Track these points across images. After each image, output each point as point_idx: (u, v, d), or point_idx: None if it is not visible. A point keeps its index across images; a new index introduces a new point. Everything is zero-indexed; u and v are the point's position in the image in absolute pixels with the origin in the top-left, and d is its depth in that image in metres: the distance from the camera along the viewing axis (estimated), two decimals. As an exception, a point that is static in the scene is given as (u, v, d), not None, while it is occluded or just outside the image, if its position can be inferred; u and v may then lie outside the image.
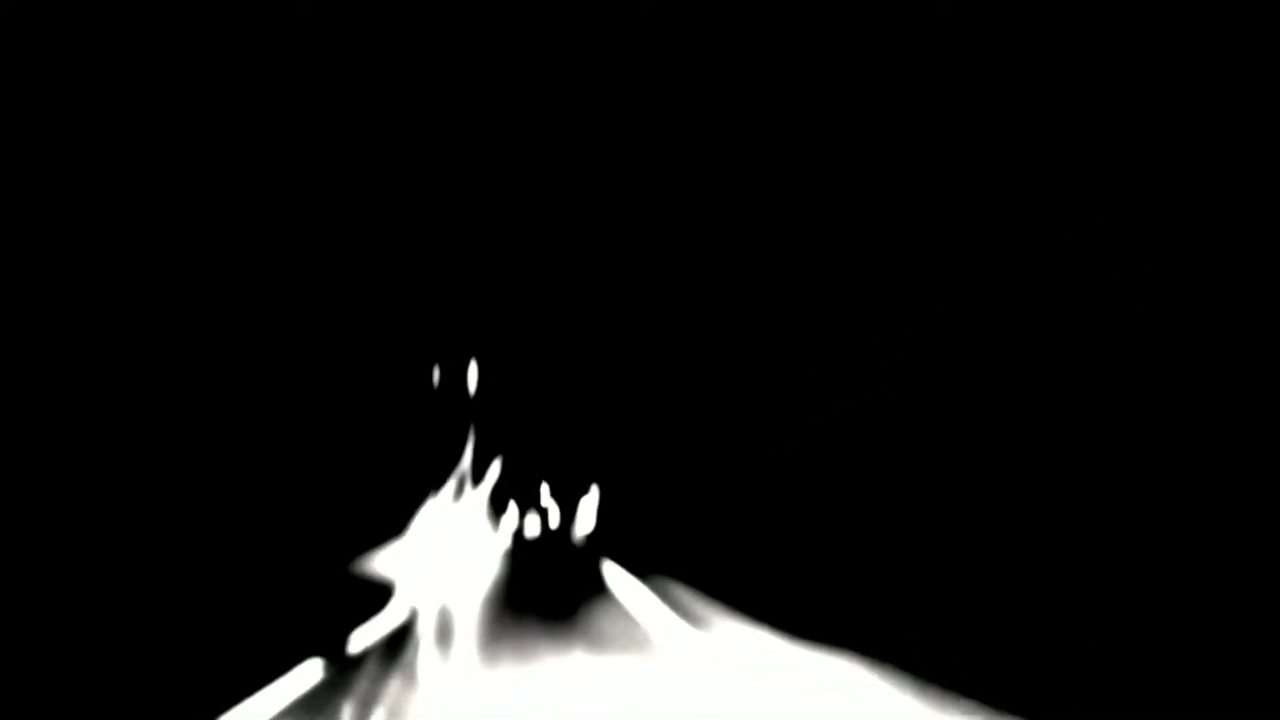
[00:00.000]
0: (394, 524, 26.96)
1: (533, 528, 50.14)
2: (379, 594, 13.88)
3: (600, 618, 9.70)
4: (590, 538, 36.58)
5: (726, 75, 16.02)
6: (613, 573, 15.99)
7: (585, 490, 50.12)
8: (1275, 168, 8.58)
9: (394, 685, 6.13)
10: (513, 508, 45.53)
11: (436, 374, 33.99)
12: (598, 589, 13.21)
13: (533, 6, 16.21)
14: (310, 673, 7.02)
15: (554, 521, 52.10)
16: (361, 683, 6.33)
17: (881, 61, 13.60)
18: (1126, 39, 10.04)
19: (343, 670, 7.02)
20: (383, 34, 16.26)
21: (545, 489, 50.69)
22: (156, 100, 14.17)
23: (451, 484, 37.20)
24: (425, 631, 9.57)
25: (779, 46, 15.13)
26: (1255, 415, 8.13)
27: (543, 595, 12.94)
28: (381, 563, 19.01)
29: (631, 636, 8.27)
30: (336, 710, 5.54)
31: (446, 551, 27.91)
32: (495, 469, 40.64)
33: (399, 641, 8.73)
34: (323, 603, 12.61)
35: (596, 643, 8.01)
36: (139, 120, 14.03)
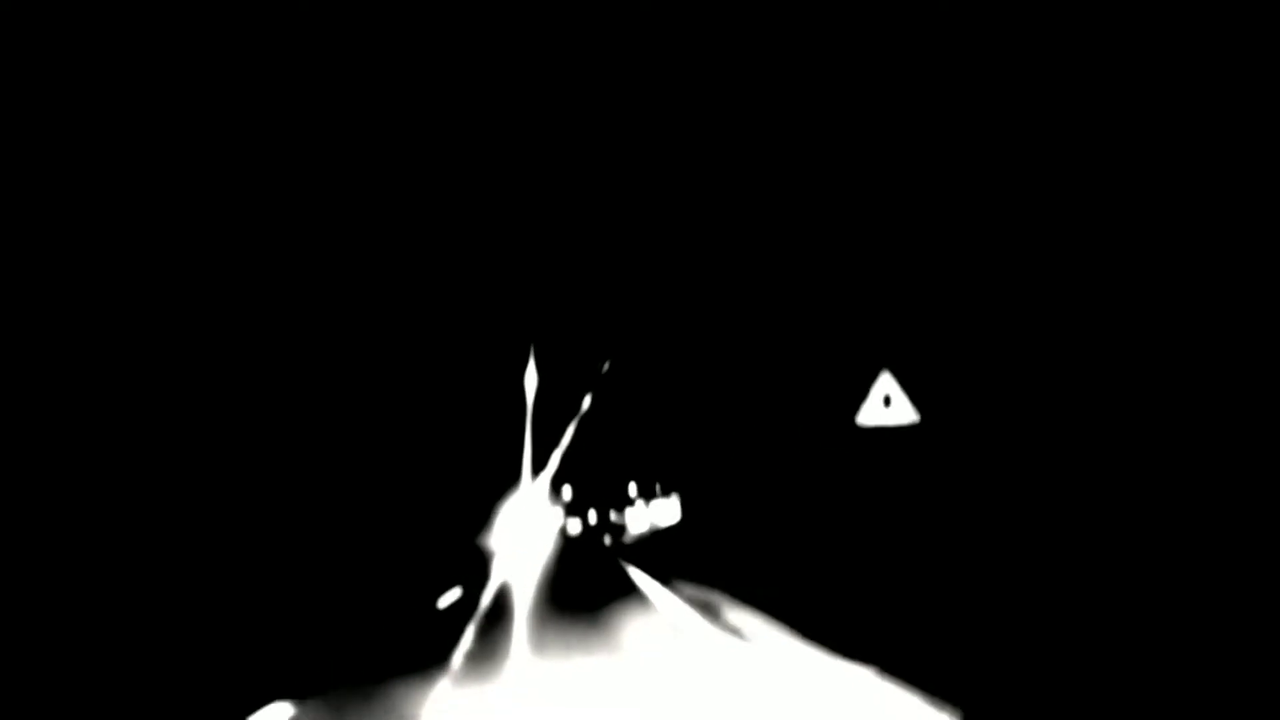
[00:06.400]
0: (435, 523, 26.97)
1: (569, 532, 50.60)
2: (406, 595, 13.92)
3: (632, 623, 9.66)
4: (624, 543, 36.69)
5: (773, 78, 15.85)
6: (644, 579, 15.95)
7: (625, 497, 50.54)
8: (1275, 168, 8.55)
9: (419, 689, 6.14)
10: (548, 513, 45.82)
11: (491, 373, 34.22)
12: (629, 594, 13.19)
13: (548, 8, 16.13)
14: (336, 673, 7.08)
15: (590, 527, 52.53)
16: (387, 685, 6.34)
17: (882, 62, 13.57)
18: (1126, 39, 10.01)
19: (369, 672, 7.04)
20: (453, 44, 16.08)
21: (574, 493, 51.11)
22: (178, 103, 14.18)
23: (496, 486, 37.47)
24: (458, 632, 9.55)
25: (782, 47, 15.10)
26: (1248, 425, 8.09)
27: (575, 600, 12.94)
28: (414, 563, 19.04)
29: (663, 642, 8.22)
30: (365, 711, 5.58)
31: (482, 553, 28.06)
32: (540, 474, 40.98)
33: (430, 642, 8.71)
34: (352, 603, 12.67)
35: (627, 649, 7.97)
36: (159, 123, 14.05)
